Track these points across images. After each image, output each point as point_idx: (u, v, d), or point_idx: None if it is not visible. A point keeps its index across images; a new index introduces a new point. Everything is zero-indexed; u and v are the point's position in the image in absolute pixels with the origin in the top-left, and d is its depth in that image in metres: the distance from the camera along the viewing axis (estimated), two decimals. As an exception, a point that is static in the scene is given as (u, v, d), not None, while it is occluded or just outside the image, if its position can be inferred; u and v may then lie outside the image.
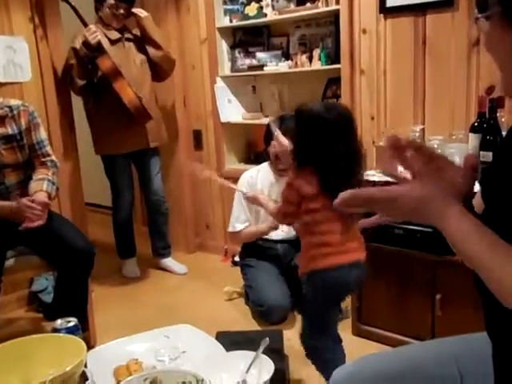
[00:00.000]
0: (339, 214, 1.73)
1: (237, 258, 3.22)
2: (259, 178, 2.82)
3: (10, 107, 2.25)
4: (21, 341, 1.38)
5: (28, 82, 2.86)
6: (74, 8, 2.86)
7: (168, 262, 3.44)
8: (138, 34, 3.11)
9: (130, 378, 1.30)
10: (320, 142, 1.71)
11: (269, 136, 2.71)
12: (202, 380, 1.26)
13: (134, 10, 3.04)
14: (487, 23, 0.80)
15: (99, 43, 2.85)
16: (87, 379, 1.10)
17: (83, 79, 2.96)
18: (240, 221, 2.85)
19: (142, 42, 3.10)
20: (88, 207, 3.93)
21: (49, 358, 1.32)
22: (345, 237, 1.76)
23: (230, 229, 2.88)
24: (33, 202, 2.12)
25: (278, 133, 2.03)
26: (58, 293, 2.35)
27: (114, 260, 3.49)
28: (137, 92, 2.94)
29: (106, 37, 2.98)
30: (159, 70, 3.17)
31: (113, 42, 3.00)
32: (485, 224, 0.94)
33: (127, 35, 3.09)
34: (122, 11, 3.00)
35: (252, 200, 2.18)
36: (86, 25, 2.88)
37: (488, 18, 0.79)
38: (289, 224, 2.20)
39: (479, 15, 0.81)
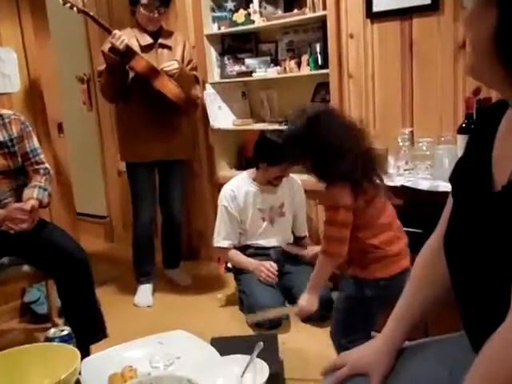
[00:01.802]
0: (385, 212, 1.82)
1: (230, 265, 3.22)
2: (240, 191, 2.83)
3: (0, 115, 2.28)
4: (14, 351, 1.36)
5: (16, 93, 2.86)
6: (93, 18, 2.76)
7: (175, 272, 3.40)
8: (172, 43, 3.00)
9: (124, 384, 1.30)
10: (339, 154, 1.69)
11: (271, 155, 2.68)
12: (197, 385, 1.26)
13: (165, 69, 2.82)
14: None
15: (128, 47, 2.73)
16: (81, 387, 1.10)
17: (114, 86, 2.87)
18: (222, 236, 2.85)
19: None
20: (81, 217, 3.93)
21: (42, 368, 1.30)
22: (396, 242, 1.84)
23: (215, 244, 2.89)
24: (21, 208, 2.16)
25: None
26: (64, 302, 2.30)
27: (106, 269, 3.48)
28: (178, 86, 2.85)
29: (138, 42, 2.89)
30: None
31: (144, 48, 2.90)
32: (452, 223, 0.96)
33: (161, 41, 2.97)
34: (156, 13, 2.86)
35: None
36: (109, 31, 2.74)
37: None
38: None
39: None
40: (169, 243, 3.37)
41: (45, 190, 2.31)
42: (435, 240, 1.11)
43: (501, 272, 0.79)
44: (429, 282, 1.11)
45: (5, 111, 2.33)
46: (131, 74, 2.86)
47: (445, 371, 1.04)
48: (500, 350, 0.74)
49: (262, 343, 1.91)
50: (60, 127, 3.08)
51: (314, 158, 1.76)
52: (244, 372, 1.37)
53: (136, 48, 2.83)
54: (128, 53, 2.74)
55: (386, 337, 1.13)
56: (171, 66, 2.82)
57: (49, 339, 1.41)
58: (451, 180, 1.03)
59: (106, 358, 1.50)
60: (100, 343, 2.17)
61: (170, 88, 2.82)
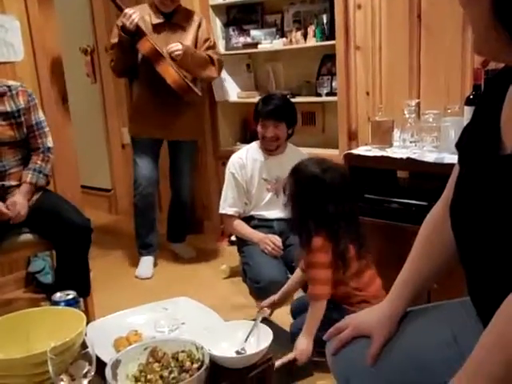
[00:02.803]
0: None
1: (233, 238, 3.23)
2: (248, 159, 2.82)
3: (8, 86, 2.31)
4: (20, 314, 1.38)
5: (20, 62, 2.83)
6: None
7: (179, 246, 3.43)
8: (186, 23, 2.98)
9: (130, 347, 1.31)
10: (324, 205, 1.87)
11: (257, 115, 2.71)
12: (202, 348, 1.27)
13: (169, 51, 2.80)
14: None
15: (138, 27, 2.74)
16: (87, 348, 1.11)
17: (123, 62, 2.90)
18: (228, 203, 2.85)
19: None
20: (84, 189, 3.94)
21: (48, 331, 1.32)
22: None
23: (221, 210, 2.89)
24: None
25: None
26: (58, 271, 2.35)
27: (110, 241, 3.50)
28: (179, 72, 2.84)
29: (150, 20, 2.89)
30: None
31: (155, 27, 2.90)
32: (459, 189, 0.96)
33: (174, 20, 2.95)
34: None
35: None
36: (121, 9, 2.75)
37: None
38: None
39: None
40: (175, 218, 3.39)
41: (40, 172, 2.35)
42: (440, 207, 1.10)
43: (509, 237, 0.79)
44: (433, 250, 1.11)
45: (12, 82, 2.36)
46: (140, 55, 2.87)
47: (448, 336, 1.05)
48: None
49: (266, 310, 1.93)
50: (64, 98, 3.06)
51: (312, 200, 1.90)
52: (248, 336, 1.39)
53: (148, 26, 2.83)
54: (138, 32, 2.76)
55: (389, 302, 1.13)
56: (174, 47, 2.80)
57: (55, 303, 1.42)
58: (458, 146, 1.02)
59: (111, 323, 1.52)
60: (103, 311, 2.19)
61: (170, 73, 2.82)
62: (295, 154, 2.84)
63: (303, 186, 1.92)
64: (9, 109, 2.28)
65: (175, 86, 2.84)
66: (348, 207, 1.91)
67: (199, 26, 3.00)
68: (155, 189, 3.19)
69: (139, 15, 2.76)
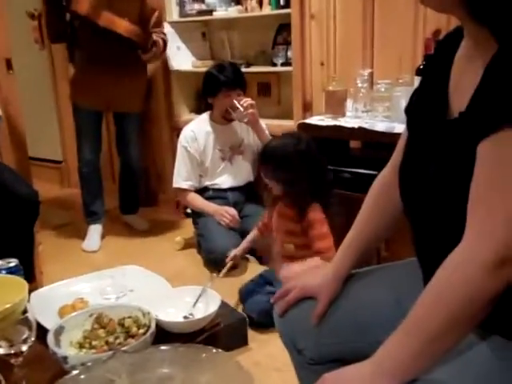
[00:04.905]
0: None
1: (189, 210, 3.21)
2: (200, 132, 2.79)
3: None
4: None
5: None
6: None
7: (132, 217, 3.38)
8: None
9: (74, 313, 1.29)
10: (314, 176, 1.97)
11: (216, 85, 2.67)
12: (148, 313, 1.26)
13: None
14: None
15: None
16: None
17: (53, 27, 2.82)
18: (182, 177, 2.81)
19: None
20: (33, 162, 3.80)
21: (-12, 298, 1.28)
22: None
23: (175, 184, 2.86)
24: None
25: None
26: (1, 243, 2.27)
27: (60, 214, 3.40)
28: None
29: None
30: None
31: None
32: (407, 154, 0.96)
33: None
34: None
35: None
36: None
37: None
38: None
39: None
40: (126, 189, 3.32)
41: None
42: (388, 172, 1.12)
43: (455, 199, 0.80)
44: (379, 212, 1.13)
45: None
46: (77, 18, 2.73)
47: (391, 297, 1.06)
48: (456, 271, 0.75)
49: (214, 275, 1.93)
50: (9, 64, 2.90)
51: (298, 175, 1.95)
52: (196, 302, 1.38)
53: None
54: None
55: (334, 264, 1.15)
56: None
57: (-5, 270, 1.37)
58: (407, 111, 1.02)
59: (55, 291, 1.49)
60: (52, 281, 2.14)
61: (118, 23, 2.62)
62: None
63: (289, 164, 1.96)
64: None
65: (128, 33, 2.65)
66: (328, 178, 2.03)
67: None
68: (98, 156, 3.12)
69: None
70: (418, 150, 0.93)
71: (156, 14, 2.82)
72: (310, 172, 1.96)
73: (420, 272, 0.97)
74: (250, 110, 2.64)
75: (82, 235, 3.15)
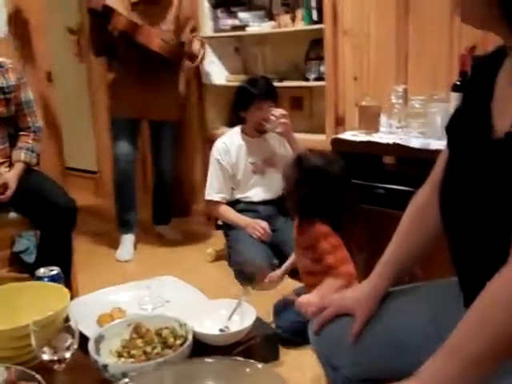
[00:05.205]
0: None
1: (220, 222, 3.23)
2: (232, 144, 2.83)
3: None
4: (4, 288, 1.38)
5: (2, 38, 2.79)
6: None
7: (164, 228, 3.42)
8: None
9: (113, 323, 1.32)
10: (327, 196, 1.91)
11: (249, 99, 2.70)
12: (185, 324, 1.28)
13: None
14: None
15: (105, 7, 2.71)
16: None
17: (96, 43, 2.92)
18: (214, 189, 2.84)
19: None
20: (69, 171, 3.90)
21: (32, 305, 1.32)
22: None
23: (207, 196, 2.89)
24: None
25: None
26: (41, 250, 2.34)
27: (95, 224, 3.47)
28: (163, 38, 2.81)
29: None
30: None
31: (133, 6, 2.85)
32: (449, 173, 0.96)
33: None
34: None
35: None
36: None
37: None
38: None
39: None
40: (158, 199, 3.38)
41: (32, 151, 2.34)
42: (426, 191, 1.11)
43: (500, 220, 0.79)
44: (417, 231, 1.12)
45: (2, 59, 2.33)
46: (116, 33, 2.83)
47: (427, 316, 1.05)
48: (502, 292, 0.74)
49: (249, 289, 1.94)
50: (49, 76, 3.02)
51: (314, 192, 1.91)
52: (232, 315, 1.39)
53: (117, 5, 2.78)
54: (107, 12, 2.73)
55: (371, 281, 1.15)
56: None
57: (39, 278, 1.42)
58: (448, 130, 1.02)
59: (94, 300, 1.52)
60: (86, 291, 2.19)
61: (154, 41, 2.78)
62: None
63: (308, 176, 1.93)
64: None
65: (162, 50, 2.80)
66: (348, 199, 1.96)
67: (180, 1, 2.96)
68: (133, 166, 3.17)
69: None
70: (460, 168, 0.93)
71: (192, 21, 2.97)
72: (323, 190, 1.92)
73: (457, 291, 0.97)
74: (283, 120, 2.66)
75: (114, 244, 3.21)
